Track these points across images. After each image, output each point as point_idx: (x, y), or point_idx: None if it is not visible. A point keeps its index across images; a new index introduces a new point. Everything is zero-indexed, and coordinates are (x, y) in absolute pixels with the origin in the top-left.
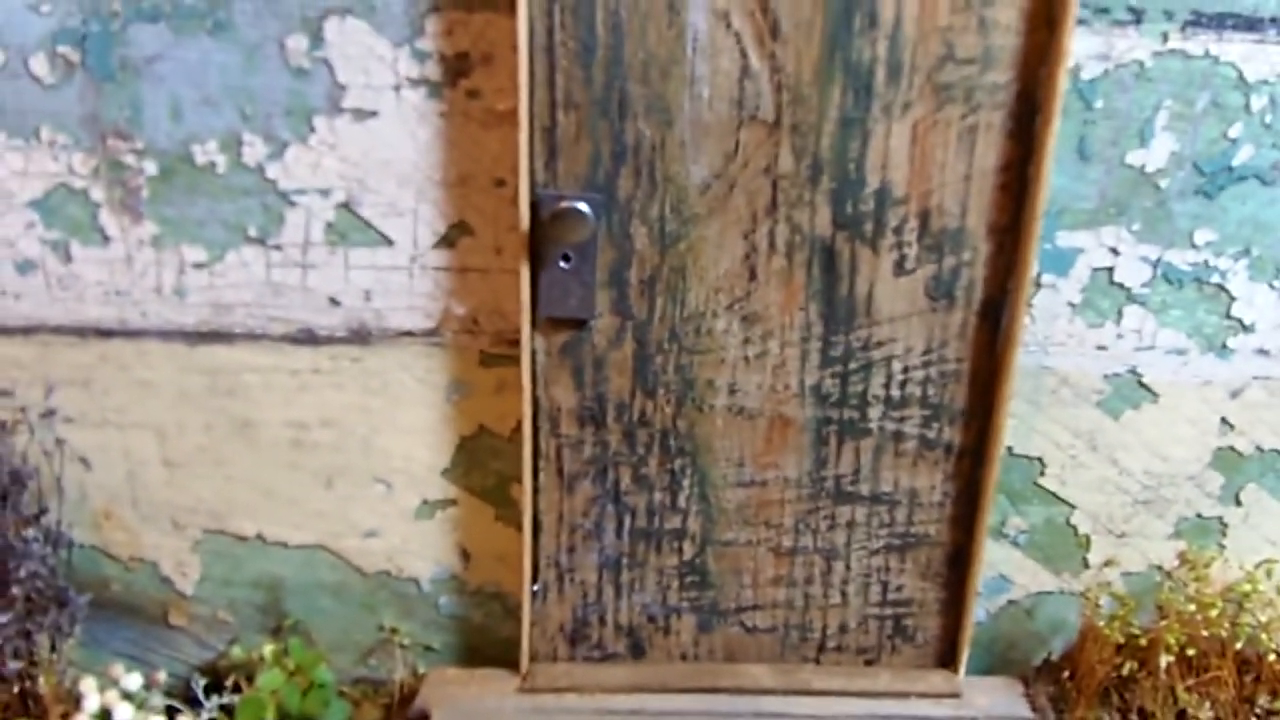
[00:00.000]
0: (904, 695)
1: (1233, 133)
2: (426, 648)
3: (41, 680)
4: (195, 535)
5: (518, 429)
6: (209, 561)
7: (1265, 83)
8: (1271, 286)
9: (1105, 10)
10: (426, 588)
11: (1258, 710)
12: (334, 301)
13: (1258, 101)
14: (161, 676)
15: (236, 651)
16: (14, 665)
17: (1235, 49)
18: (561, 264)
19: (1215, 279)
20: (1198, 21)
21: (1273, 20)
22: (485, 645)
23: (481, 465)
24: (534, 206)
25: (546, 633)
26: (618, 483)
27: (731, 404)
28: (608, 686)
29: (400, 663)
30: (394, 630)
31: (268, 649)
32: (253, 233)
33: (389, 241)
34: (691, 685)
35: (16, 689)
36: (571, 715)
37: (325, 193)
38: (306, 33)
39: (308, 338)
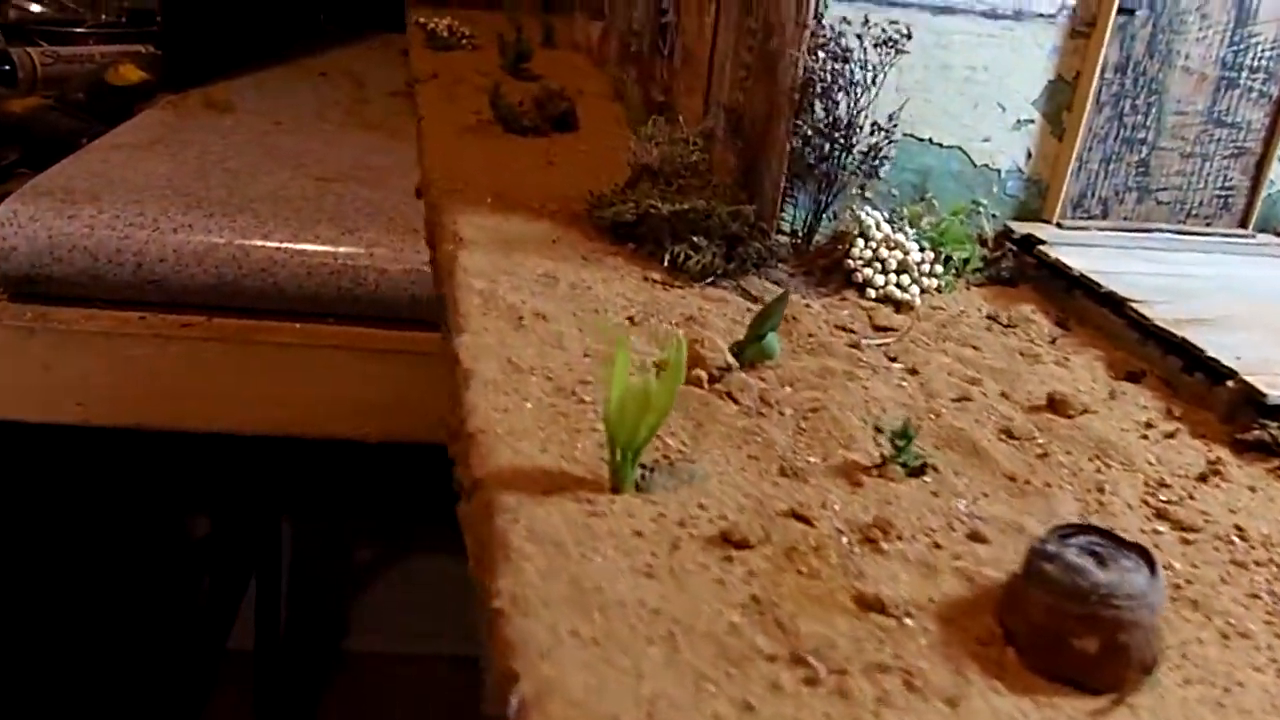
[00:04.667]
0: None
1: None
2: (994, 215)
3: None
4: (896, 136)
5: (1077, 77)
6: (898, 154)
7: None
8: None
9: None
10: (1004, 176)
11: None
12: None
13: None
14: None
15: (905, 211)
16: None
17: None
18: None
19: None
20: None
21: None
22: (1027, 214)
23: (1054, 99)
24: None
25: (1063, 203)
26: (1121, 108)
27: None
28: (1093, 230)
29: (982, 221)
30: (978, 202)
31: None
32: None
33: None
34: (1130, 229)
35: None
36: (1078, 231)
37: None
38: None
39: (992, 15)
